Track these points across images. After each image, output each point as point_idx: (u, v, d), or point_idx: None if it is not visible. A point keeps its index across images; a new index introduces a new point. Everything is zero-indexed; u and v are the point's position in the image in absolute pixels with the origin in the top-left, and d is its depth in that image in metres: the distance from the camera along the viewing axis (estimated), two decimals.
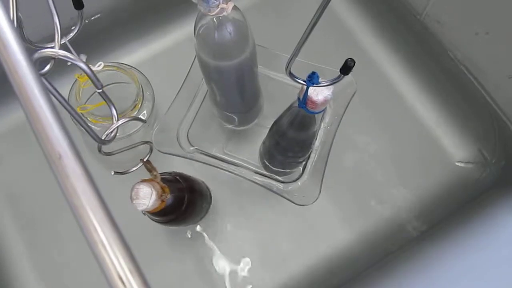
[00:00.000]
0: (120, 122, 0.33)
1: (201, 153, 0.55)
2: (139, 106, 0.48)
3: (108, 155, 0.37)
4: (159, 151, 0.51)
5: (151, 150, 0.42)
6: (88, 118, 0.46)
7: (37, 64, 0.24)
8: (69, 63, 0.37)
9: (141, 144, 0.41)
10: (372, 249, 0.56)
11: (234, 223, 0.57)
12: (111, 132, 0.33)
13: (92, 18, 0.62)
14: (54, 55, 0.24)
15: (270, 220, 0.57)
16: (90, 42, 0.60)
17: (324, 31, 0.64)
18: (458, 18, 0.57)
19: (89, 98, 0.50)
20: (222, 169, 0.53)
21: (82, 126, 0.28)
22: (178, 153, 0.53)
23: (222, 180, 0.57)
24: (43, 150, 0.15)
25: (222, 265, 0.55)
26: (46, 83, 0.24)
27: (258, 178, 0.53)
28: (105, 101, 0.32)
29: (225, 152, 0.58)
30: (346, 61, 0.30)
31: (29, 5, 0.40)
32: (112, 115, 0.33)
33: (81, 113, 0.46)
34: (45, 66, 0.25)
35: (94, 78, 0.26)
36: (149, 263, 0.55)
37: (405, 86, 0.63)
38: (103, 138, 0.31)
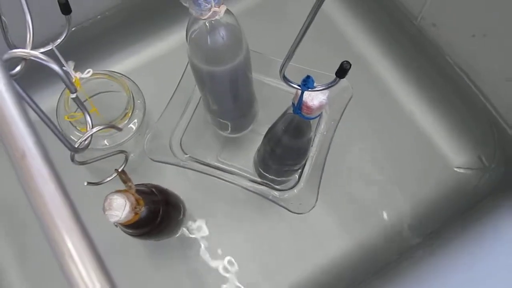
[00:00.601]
0: (94, 130, 0.32)
1: (194, 161, 0.54)
2: (130, 114, 0.47)
3: (82, 164, 0.36)
4: (151, 159, 0.50)
5: (126, 159, 0.41)
6: (77, 127, 0.45)
7: (8, 65, 0.23)
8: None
9: (116, 154, 0.40)
10: (370, 258, 0.55)
11: (229, 233, 0.56)
12: (85, 140, 0.31)
13: (82, 25, 0.61)
14: (26, 55, 0.23)
15: (266, 229, 0.56)
16: (80, 50, 0.60)
17: (319, 36, 0.64)
18: (455, 20, 0.56)
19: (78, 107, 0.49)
20: (216, 177, 0.52)
21: (53, 132, 0.27)
22: (171, 161, 0.52)
23: (216, 189, 0.56)
24: (5, 148, 0.14)
25: (216, 276, 0.54)
26: (15, 85, 0.22)
27: (253, 186, 0.52)
28: (79, 107, 0.31)
29: (219, 159, 0.57)
30: (341, 64, 0.29)
31: (20, 13, 0.39)
32: (86, 122, 0.32)
33: (70, 122, 0.45)
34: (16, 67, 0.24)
35: (67, 81, 0.25)
36: (132, 278, 0.54)
37: (401, 90, 0.62)
38: (76, 146, 0.30)
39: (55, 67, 0.24)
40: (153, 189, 0.43)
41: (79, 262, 0.13)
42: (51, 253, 0.13)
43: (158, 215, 0.41)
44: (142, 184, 0.43)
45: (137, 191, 0.38)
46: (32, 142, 0.14)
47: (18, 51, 0.23)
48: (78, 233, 0.13)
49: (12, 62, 0.23)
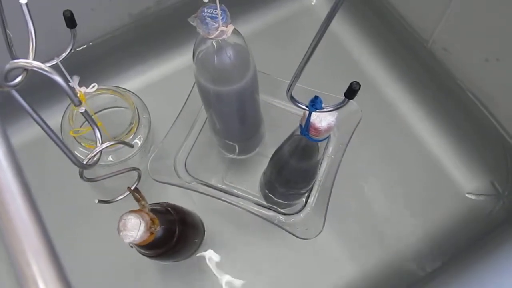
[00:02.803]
0: (104, 145, 0.31)
1: (199, 183, 0.53)
2: (135, 130, 0.47)
3: (90, 181, 0.35)
4: (154, 180, 0.49)
5: (139, 177, 0.40)
6: (82, 143, 0.45)
7: (9, 75, 0.22)
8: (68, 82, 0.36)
9: (128, 171, 0.39)
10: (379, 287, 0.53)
11: (233, 258, 0.54)
12: (94, 156, 0.31)
13: (91, 44, 0.62)
14: (28, 66, 0.23)
15: (271, 255, 0.54)
16: (89, 67, 0.60)
17: (328, 59, 0.64)
18: (467, 44, 0.56)
19: (84, 122, 0.49)
20: (221, 200, 0.51)
21: (60, 148, 0.26)
22: (175, 183, 0.51)
23: (221, 212, 0.55)
24: None
25: None
26: (17, 96, 0.22)
27: (258, 209, 0.51)
28: (88, 121, 0.30)
29: (224, 182, 0.56)
30: (351, 84, 0.28)
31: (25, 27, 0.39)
32: (96, 137, 0.31)
33: (74, 137, 0.45)
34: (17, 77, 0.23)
35: (70, 93, 0.24)
36: None
37: (412, 115, 0.61)
38: (85, 162, 0.29)
39: (57, 78, 0.23)
40: (169, 208, 0.42)
41: None
42: (14, 277, 0.12)
43: (174, 235, 0.40)
44: (158, 203, 0.43)
45: (152, 210, 0.37)
46: (2, 152, 0.13)
47: (20, 61, 0.23)
48: (46, 257, 0.12)
49: (13, 73, 0.22)
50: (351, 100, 0.29)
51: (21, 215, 0.12)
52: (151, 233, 0.35)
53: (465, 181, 0.58)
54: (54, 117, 0.52)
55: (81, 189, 0.54)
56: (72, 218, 0.55)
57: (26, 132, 0.58)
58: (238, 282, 0.53)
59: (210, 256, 0.54)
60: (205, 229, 0.53)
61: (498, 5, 0.49)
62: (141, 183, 0.56)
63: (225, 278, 0.53)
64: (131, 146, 0.37)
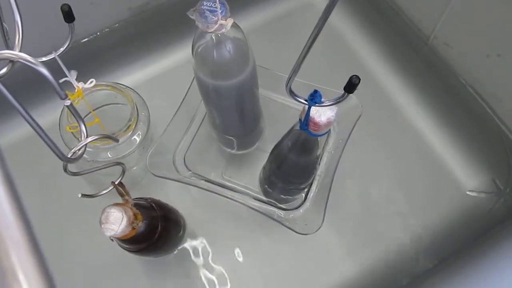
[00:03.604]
0: (89, 139, 0.31)
1: (198, 178, 0.53)
2: (133, 127, 0.46)
3: (74, 175, 0.35)
4: (153, 174, 0.49)
5: (123, 172, 0.40)
6: (79, 139, 0.44)
7: None
8: (63, 80, 0.35)
9: (112, 165, 0.39)
10: (378, 284, 0.53)
11: (232, 253, 0.54)
12: (78, 149, 0.31)
13: (90, 38, 0.61)
14: (13, 57, 0.22)
15: (270, 250, 0.54)
16: (88, 62, 0.60)
17: (328, 54, 0.63)
18: (468, 40, 0.55)
19: (83, 118, 0.48)
20: (220, 195, 0.51)
21: (44, 141, 0.26)
22: (173, 178, 0.51)
23: (219, 206, 0.55)
24: None
25: None
26: (2, 88, 0.22)
27: (258, 205, 0.51)
28: (73, 114, 0.30)
29: (224, 177, 0.56)
30: (350, 78, 0.28)
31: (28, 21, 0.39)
32: (81, 131, 0.31)
33: (72, 133, 0.44)
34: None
35: (56, 86, 0.24)
36: None
37: (413, 111, 0.61)
38: (69, 155, 0.29)
39: (43, 70, 0.23)
40: (153, 204, 0.42)
41: (25, 283, 0.11)
42: None
43: (156, 231, 0.40)
44: (142, 198, 0.42)
45: (136, 205, 0.37)
46: None
47: (5, 52, 0.22)
48: (26, 247, 0.11)
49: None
50: (351, 95, 0.29)
51: (1, 205, 0.12)
52: (133, 228, 0.35)
53: (466, 178, 0.57)
54: (53, 113, 0.52)
55: (80, 186, 0.54)
56: (69, 216, 0.55)
57: (24, 130, 0.58)
58: (236, 277, 0.53)
59: (206, 249, 0.54)
60: (203, 224, 0.53)
61: (499, 1, 0.48)
62: (140, 178, 0.56)
63: (224, 274, 0.53)
64: (117, 140, 0.37)
